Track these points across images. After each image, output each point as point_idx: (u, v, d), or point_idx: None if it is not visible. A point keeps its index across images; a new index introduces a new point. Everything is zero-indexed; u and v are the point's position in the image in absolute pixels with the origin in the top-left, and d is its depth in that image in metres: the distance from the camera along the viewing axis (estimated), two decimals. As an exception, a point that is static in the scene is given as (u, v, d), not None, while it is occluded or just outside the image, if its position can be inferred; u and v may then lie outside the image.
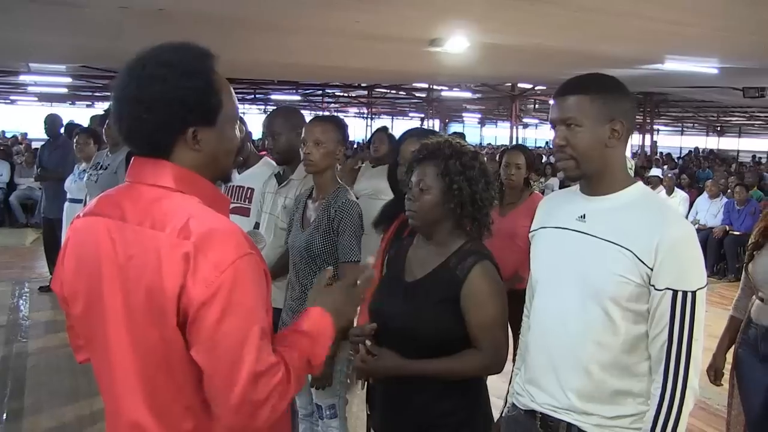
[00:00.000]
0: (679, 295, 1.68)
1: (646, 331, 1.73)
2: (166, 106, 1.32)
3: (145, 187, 1.37)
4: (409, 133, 3.10)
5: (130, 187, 1.40)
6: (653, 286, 1.70)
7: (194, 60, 1.37)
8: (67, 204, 6.07)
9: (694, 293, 1.68)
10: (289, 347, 1.37)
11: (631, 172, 3.81)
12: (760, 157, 26.32)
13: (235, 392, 1.24)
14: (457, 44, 8.17)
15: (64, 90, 20.59)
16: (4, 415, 4.31)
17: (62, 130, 7.44)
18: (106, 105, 22.04)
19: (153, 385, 1.32)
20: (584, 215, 1.82)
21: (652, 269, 1.69)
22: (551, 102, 1.88)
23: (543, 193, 10.41)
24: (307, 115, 3.67)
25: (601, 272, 1.72)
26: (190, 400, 1.31)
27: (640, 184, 1.87)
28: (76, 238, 1.43)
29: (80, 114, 20.74)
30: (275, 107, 4.41)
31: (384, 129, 5.88)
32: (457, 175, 2.11)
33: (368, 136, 27.93)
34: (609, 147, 1.78)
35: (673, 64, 9.55)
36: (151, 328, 1.28)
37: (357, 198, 4.49)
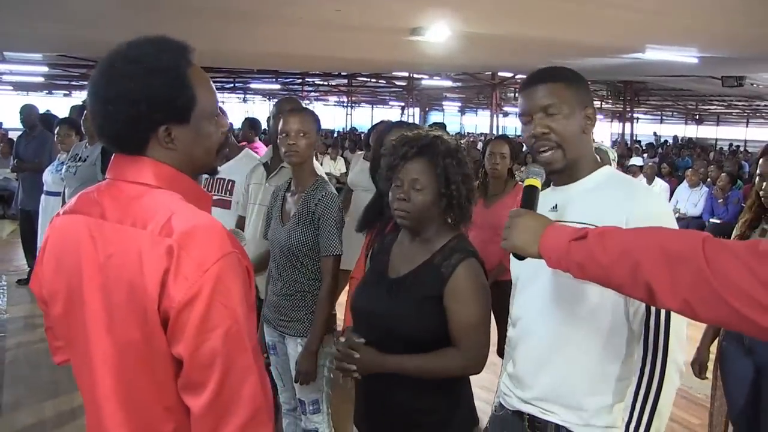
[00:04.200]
0: None
1: (627, 310, 1.70)
2: (132, 105, 1.28)
3: (125, 185, 1.33)
4: (393, 125, 3.05)
5: (110, 184, 1.36)
6: None
7: (164, 56, 1.32)
8: (43, 197, 5.98)
9: None
10: None
11: (614, 164, 3.81)
12: (738, 146, 26.58)
13: (208, 391, 1.22)
14: (439, 33, 8.15)
15: (41, 79, 20.32)
16: (-18, 411, 4.25)
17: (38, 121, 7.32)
18: (83, 94, 21.82)
19: (133, 385, 1.29)
20: (556, 205, 1.80)
21: None
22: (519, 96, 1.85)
23: (523, 182, 10.37)
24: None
25: None
26: (172, 401, 1.28)
27: (606, 167, 1.85)
28: (55, 237, 1.40)
29: (57, 103, 20.51)
30: (283, 96, 4.49)
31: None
32: (456, 175, 2.07)
33: (349, 125, 27.93)
34: (585, 134, 1.78)
35: (653, 53, 9.59)
36: (133, 327, 1.25)
37: (352, 191, 4.49)
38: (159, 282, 1.21)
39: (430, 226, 2.12)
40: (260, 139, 7.07)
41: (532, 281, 1.85)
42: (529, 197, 1.67)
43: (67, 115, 6.68)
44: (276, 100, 4.30)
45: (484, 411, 2.32)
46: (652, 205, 1.73)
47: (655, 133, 31.83)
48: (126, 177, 1.34)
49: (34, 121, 7.20)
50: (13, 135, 14.78)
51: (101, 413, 1.32)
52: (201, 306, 1.20)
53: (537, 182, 1.69)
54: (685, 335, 1.67)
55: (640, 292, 1.34)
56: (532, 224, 1.54)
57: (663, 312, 1.64)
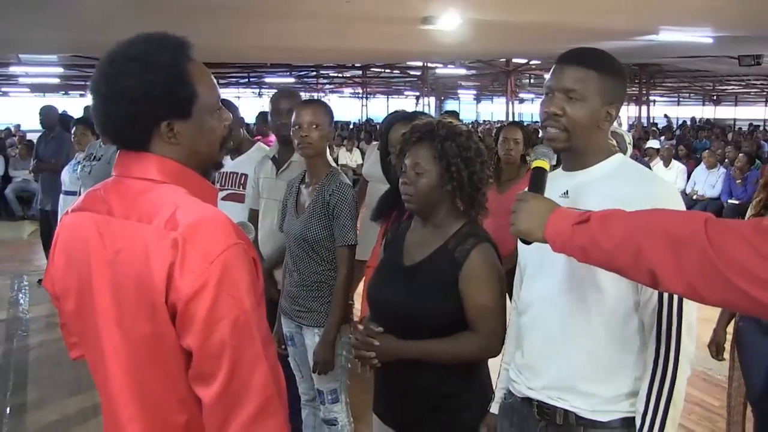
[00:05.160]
0: None
1: (637, 299, 1.70)
2: (132, 102, 1.30)
3: (131, 181, 1.35)
4: (395, 118, 3.06)
5: (116, 181, 1.38)
6: None
7: (162, 52, 1.33)
8: (62, 197, 6.03)
9: None
10: None
11: (630, 147, 3.78)
12: (757, 125, 26.25)
13: (218, 381, 1.24)
14: (450, 21, 8.10)
15: (57, 80, 20.47)
16: (8, 409, 4.33)
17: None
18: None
19: (146, 379, 1.31)
20: (567, 191, 1.79)
21: None
22: (548, 73, 1.82)
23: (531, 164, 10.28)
24: (303, 97, 3.69)
25: None
26: (184, 393, 1.30)
27: (619, 155, 1.84)
28: (64, 235, 1.42)
29: (74, 104, 20.60)
30: (278, 89, 4.37)
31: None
32: (455, 158, 2.08)
33: (364, 116, 27.88)
34: (600, 129, 1.75)
35: (667, 35, 9.48)
36: (142, 321, 1.27)
37: (367, 182, 4.49)
38: (165, 275, 1.23)
39: (438, 210, 2.14)
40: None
41: (542, 268, 1.84)
42: (538, 179, 1.66)
43: (81, 115, 6.73)
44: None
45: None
46: (663, 189, 1.73)
47: (665, 116, 31.40)
48: (131, 173, 1.36)
49: (53, 121, 7.25)
50: (31, 136, 14.93)
51: (115, 407, 1.34)
52: (208, 297, 1.22)
53: (545, 164, 1.68)
54: (694, 323, 1.67)
55: (643, 277, 1.33)
56: (537, 209, 1.54)
57: (675, 303, 1.64)
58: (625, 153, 3.34)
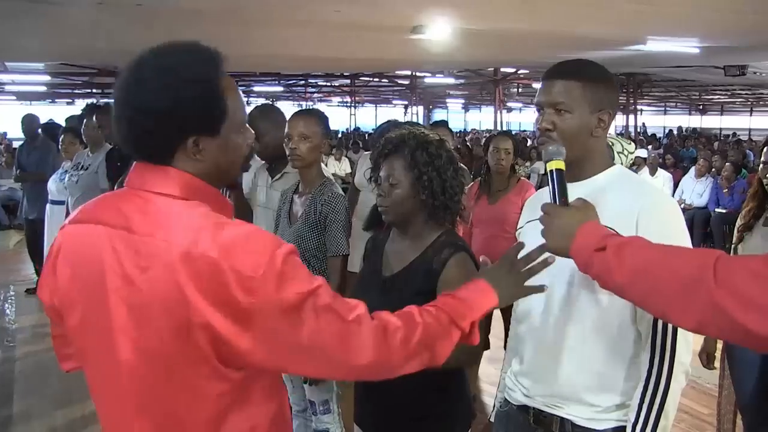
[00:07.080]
0: None
1: (633, 312, 1.70)
2: (164, 115, 1.24)
3: (150, 195, 1.28)
4: (387, 127, 3.07)
5: (133, 194, 1.30)
6: None
7: (198, 65, 1.27)
8: (48, 206, 5.98)
9: None
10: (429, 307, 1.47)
11: (621, 156, 3.77)
12: (739, 135, 26.45)
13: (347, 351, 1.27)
14: (439, 31, 8.14)
15: (43, 88, 20.38)
16: (-7, 422, 4.27)
17: (39, 130, 7.31)
18: (86, 102, 21.80)
19: (164, 398, 1.26)
20: None
21: None
22: (538, 85, 1.84)
23: (529, 177, 10.41)
24: (291, 106, 3.66)
25: None
26: (214, 413, 1.26)
27: (617, 166, 1.86)
28: (69, 246, 1.33)
29: (61, 112, 20.49)
30: (253, 106, 4.24)
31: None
32: (425, 166, 2.09)
33: (353, 125, 27.90)
34: (594, 136, 1.76)
35: (654, 45, 9.56)
36: (167, 341, 1.20)
37: (358, 191, 4.49)
38: (211, 297, 1.18)
39: (415, 221, 2.15)
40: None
41: (540, 279, 1.84)
42: (560, 183, 1.61)
43: (66, 125, 6.70)
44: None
45: (492, 406, 2.33)
46: (660, 200, 1.74)
47: (643, 124, 31.52)
48: (150, 187, 1.29)
49: (35, 131, 7.20)
50: (18, 145, 14.83)
51: (125, 424, 1.29)
52: (276, 303, 1.19)
53: (561, 164, 1.63)
54: (690, 335, 1.66)
55: (654, 312, 1.38)
56: (565, 227, 1.52)
57: None
58: (612, 160, 3.33)
